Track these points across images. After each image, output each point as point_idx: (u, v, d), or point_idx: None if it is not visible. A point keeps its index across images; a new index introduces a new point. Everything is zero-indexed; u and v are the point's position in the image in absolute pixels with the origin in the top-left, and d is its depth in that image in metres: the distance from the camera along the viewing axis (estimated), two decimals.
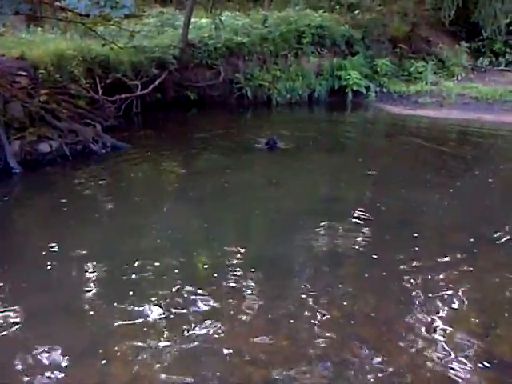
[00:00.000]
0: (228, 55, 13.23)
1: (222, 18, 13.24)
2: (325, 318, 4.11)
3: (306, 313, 4.18)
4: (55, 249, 5.29)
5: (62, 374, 3.46)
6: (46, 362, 3.59)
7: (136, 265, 4.90)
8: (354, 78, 14.01)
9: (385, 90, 14.57)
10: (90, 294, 4.48)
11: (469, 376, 3.47)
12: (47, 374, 3.47)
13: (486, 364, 3.59)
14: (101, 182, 7.59)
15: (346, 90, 14.12)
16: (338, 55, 14.77)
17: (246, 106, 13.45)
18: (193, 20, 13.29)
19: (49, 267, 4.88)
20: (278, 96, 13.72)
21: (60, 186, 7.41)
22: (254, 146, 9.27)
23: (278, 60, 13.96)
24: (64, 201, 6.62)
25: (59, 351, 3.69)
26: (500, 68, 16.22)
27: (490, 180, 7.66)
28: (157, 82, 11.71)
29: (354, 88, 14.05)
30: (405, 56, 15.64)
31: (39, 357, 3.64)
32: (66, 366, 3.54)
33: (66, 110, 9.04)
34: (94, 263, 5.00)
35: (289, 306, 4.29)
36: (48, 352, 3.68)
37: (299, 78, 14.05)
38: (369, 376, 3.46)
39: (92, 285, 4.65)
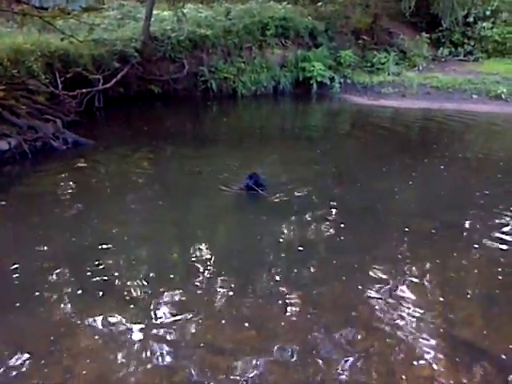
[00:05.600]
0: (192, 48, 13.11)
1: (185, 11, 13.14)
2: (291, 306, 4.17)
3: (273, 302, 4.22)
4: (15, 249, 5.16)
5: (27, 374, 3.40)
6: (9, 362, 3.51)
7: (101, 265, 4.82)
8: (318, 70, 14.10)
9: (349, 81, 14.75)
10: (50, 294, 4.39)
11: (432, 356, 3.61)
12: (11, 374, 3.41)
13: (447, 344, 3.73)
14: (61, 181, 7.32)
15: (311, 82, 14.20)
16: (301, 47, 14.84)
17: (212, 99, 13.37)
18: (155, 12, 13.12)
19: (11, 266, 4.77)
20: (243, 88, 13.70)
21: (18, 186, 7.18)
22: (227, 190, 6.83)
23: (242, 52, 13.93)
24: (22, 201, 6.47)
25: (22, 351, 3.62)
26: (459, 58, 16.66)
27: (442, 167, 7.84)
28: (119, 76, 11.51)
29: (319, 79, 14.15)
30: (367, 47, 15.86)
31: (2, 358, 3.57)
32: (30, 366, 3.48)
33: (25, 106, 8.79)
34: (55, 264, 4.87)
35: (256, 296, 4.33)
36: (11, 353, 3.61)
37: (264, 70, 14.06)
38: (334, 362, 3.54)
39: (53, 284, 4.56)
